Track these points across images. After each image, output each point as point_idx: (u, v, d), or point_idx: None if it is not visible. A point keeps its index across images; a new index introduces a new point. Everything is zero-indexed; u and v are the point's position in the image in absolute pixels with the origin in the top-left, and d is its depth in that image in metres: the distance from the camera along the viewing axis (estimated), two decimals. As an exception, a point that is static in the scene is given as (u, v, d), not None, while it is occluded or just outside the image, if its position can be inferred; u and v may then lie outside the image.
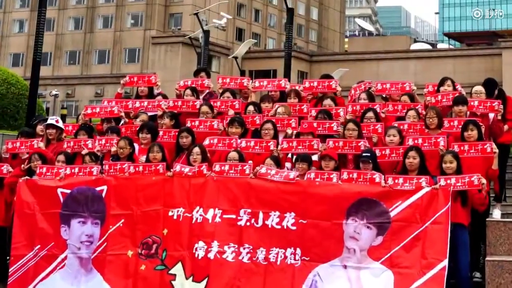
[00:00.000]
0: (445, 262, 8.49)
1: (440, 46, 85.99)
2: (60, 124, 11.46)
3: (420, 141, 9.62)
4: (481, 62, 60.15)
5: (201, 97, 11.95)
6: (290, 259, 9.04)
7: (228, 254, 9.22)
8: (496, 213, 9.98)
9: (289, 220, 9.12)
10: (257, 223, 9.21)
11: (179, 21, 69.40)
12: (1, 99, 21.77)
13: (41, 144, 11.01)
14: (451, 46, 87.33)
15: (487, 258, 9.05)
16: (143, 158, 10.25)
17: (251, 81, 12.17)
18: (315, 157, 9.82)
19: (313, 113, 10.83)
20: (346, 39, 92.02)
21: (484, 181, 8.84)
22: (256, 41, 67.63)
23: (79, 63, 71.01)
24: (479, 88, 10.71)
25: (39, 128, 11.61)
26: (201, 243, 9.31)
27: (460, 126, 9.75)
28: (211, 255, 9.24)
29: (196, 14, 41.54)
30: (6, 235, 10.41)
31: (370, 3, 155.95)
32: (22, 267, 9.87)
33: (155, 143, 10.25)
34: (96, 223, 9.78)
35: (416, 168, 9.17)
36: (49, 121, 11.44)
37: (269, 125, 10.37)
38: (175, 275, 9.35)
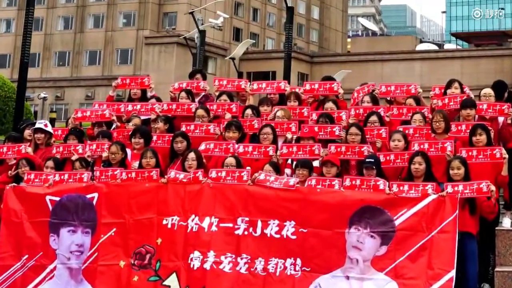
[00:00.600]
0: (453, 273, 8.34)
1: (447, 46, 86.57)
2: (49, 128, 11.35)
3: (426, 146, 9.55)
4: (490, 63, 60.30)
5: (196, 100, 11.84)
6: (290, 269, 8.92)
7: (225, 264, 9.09)
8: (506, 222, 9.87)
9: (289, 229, 9.01)
10: (256, 232, 9.11)
11: (173, 20, 69.26)
12: (-13, 103, 21.72)
13: (29, 149, 10.88)
14: (458, 47, 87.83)
15: (497, 269, 9.00)
16: (136, 164, 10.13)
17: (249, 83, 12.09)
18: (316, 163, 9.72)
19: (314, 116, 10.74)
20: (349, 39, 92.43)
21: (493, 188, 8.72)
22: (254, 41, 67.65)
23: (69, 65, 70.83)
24: (488, 90, 10.71)
25: (27, 132, 11.49)
26: (196, 253, 9.18)
27: (468, 131, 9.68)
28: (207, 266, 9.11)
29: (192, 13, 41.38)
30: (-8, 244, 10.21)
31: (373, 2, 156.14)
32: (9, 278, 9.71)
33: (149, 148, 10.16)
34: (86, 232, 9.66)
35: (422, 175, 9.06)
36: (37, 125, 11.33)
37: (268, 130, 10.26)
38: (169, 286, 9.23)
